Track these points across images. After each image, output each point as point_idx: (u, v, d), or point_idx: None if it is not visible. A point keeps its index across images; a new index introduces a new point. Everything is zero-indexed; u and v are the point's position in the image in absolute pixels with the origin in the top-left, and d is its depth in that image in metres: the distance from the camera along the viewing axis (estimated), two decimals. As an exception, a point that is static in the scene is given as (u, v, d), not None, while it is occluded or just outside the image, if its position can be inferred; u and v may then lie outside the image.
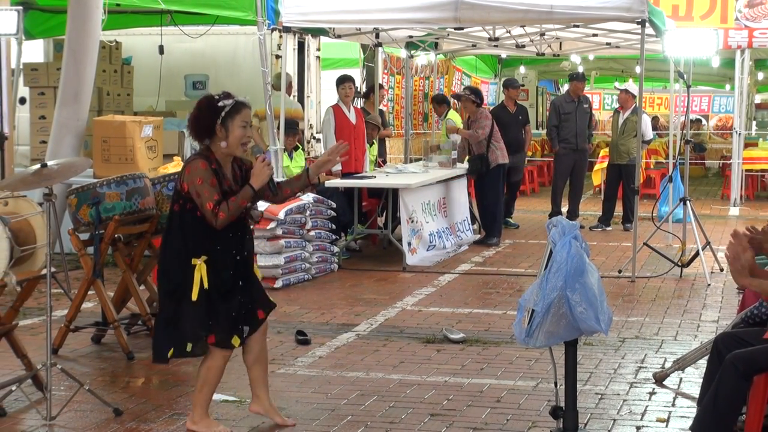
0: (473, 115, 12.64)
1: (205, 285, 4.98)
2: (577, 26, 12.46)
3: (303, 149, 12.34)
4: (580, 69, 18.73)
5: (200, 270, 4.97)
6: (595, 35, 13.52)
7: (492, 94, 23.75)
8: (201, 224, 5.02)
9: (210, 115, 5.03)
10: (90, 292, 7.05)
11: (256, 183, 5.05)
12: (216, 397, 5.78)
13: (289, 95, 12.86)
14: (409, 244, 10.72)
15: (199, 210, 4.99)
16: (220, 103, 5.02)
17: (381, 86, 14.25)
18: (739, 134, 17.14)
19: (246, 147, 5.12)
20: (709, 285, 9.70)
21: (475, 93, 12.81)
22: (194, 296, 4.97)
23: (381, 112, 13.66)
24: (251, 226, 5.41)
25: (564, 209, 14.04)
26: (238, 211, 5.02)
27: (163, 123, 11.04)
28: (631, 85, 14.57)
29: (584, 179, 14.39)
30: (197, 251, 5.00)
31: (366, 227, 11.50)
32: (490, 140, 12.39)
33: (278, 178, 10.85)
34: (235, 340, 5.16)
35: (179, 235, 5.07)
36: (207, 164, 4.99)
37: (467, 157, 12.80)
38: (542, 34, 13.95)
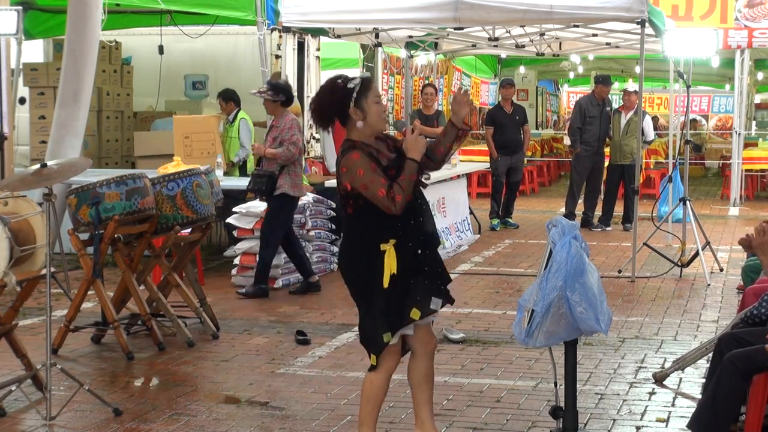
0: (277, 120, 9.04)
1: (393, 270, 4.65)
2: (577, 26, 12.45)
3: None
4: (581, 69, 18.81)
5: (390, 255, 4.66)
6: (595, 35, 13.51)
7: (492, 94, 23.80)
8: (381, 213, 4.69)
9: (341, 99, 4.72)
10: (90, 292, 7.05)
11: (416, 155, 4.70)
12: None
13: None
14: (410, 244, 10.68)
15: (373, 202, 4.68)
16: (350, 85, 4.72)
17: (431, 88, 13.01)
18: (739, 134, 17.15)
19: (386, 121, 4.84)
20: (709, 285, 9.70)
21: (276, 89, 8.98)
22: (386, 283, 4.65)
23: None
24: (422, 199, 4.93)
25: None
26: (411, 187, 4.69)
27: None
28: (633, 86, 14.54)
29: (601, 182, 14.29)
30: (383, 237, 4.71)
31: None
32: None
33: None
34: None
35: (359, 233, 4.77)
36: (360, 153, 4.68)
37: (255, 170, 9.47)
38: (542, 34, 13.93)
